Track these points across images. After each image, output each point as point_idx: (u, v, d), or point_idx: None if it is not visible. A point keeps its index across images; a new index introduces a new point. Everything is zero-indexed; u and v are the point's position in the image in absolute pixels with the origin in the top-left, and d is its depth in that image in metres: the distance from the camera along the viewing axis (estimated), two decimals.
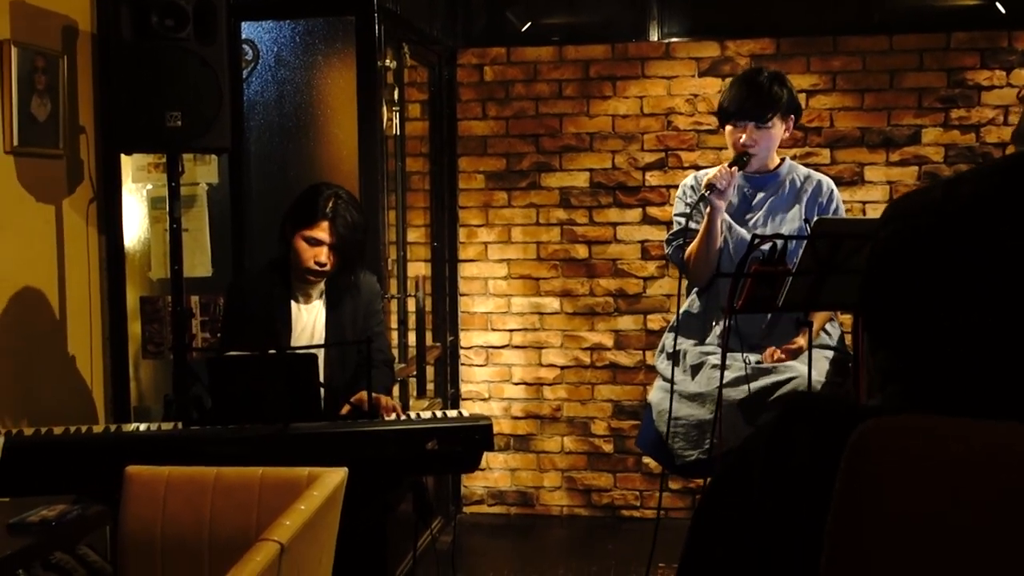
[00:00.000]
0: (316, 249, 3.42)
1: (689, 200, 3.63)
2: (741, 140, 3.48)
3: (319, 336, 3.53)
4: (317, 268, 3.42)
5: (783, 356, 3.39)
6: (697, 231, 3.49)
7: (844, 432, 0.91)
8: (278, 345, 3.37)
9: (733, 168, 3.42)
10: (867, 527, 0.86)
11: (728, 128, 3.53)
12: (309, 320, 3.54)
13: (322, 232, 3.40)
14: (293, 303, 3.53)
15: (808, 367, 3.14)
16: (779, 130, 3.54)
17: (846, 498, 0.87)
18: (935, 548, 0.84)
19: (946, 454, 0.88)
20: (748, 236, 3.37)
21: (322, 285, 3.57)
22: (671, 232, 3.68)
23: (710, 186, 3.38)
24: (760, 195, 3.60)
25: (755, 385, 3.27)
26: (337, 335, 3.52)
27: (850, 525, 0.87)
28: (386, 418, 3.25)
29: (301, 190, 3.62)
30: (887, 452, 0.88)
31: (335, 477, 2.52)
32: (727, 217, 3.51)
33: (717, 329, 3.51)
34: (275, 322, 3.46)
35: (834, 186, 3.64)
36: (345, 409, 3.31)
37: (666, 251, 3.72)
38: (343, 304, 3.55)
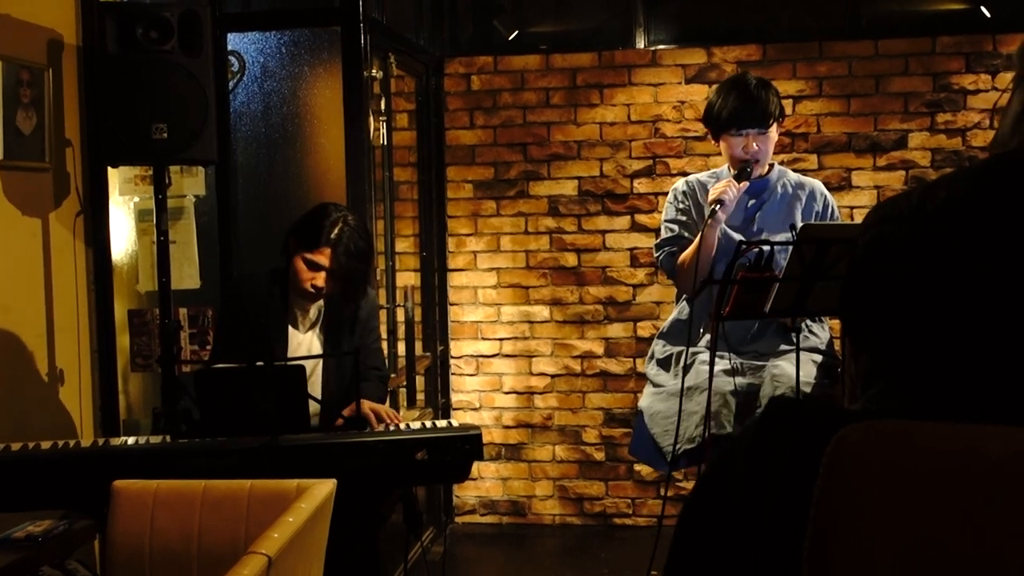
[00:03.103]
0: (314, 273, 3.35)
1: (681, 206, 3.61)
2: (744, 148, 3.43)
3: (320, 347, 3.51)
4: (312, 291, 3.39)
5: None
6: (691, 240, 3.46)
7: (825, 437, 0.91)
8: (269, 357, 3.34)
9: (742, 183, 3.40)
10: (847, 534, 0.86)
11: (727, 139, 3.47)
12: (304, 341, 3.52)
13: (322, 257, 3.33)
14: (290, 327, 3.50)
15: (796, 370, 3.15)
16: (776, 135, 3.52)
17: (826, 504, 0.87)
18: (914, 554, 0.84)
19: (925, 460, 0.88)
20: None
21: (321, 309, 3.54)
22: (662, 238, 3.65)
23: (718, 200, 3.35)
24: (753, 202, 3.59)
25: (742, 381, 3.28)
26: (335, 345, 3.49)
27: (830, 532, 0.86)
28: (390, 427, 3.23)
29: (289, 201, 3.62)
30: (866, 458, 0.87)
31: (324, 489, 2.51)
32: (723, 225, 3.49)
33: (706, 336, 3.51)
34: (271, 339, 3.44)
35: (826, 190, 3.64)
36: (338, 422, 3.30)
37: (655, 255, 3.70)
38: (341, 335, 3.53)
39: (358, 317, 3.53)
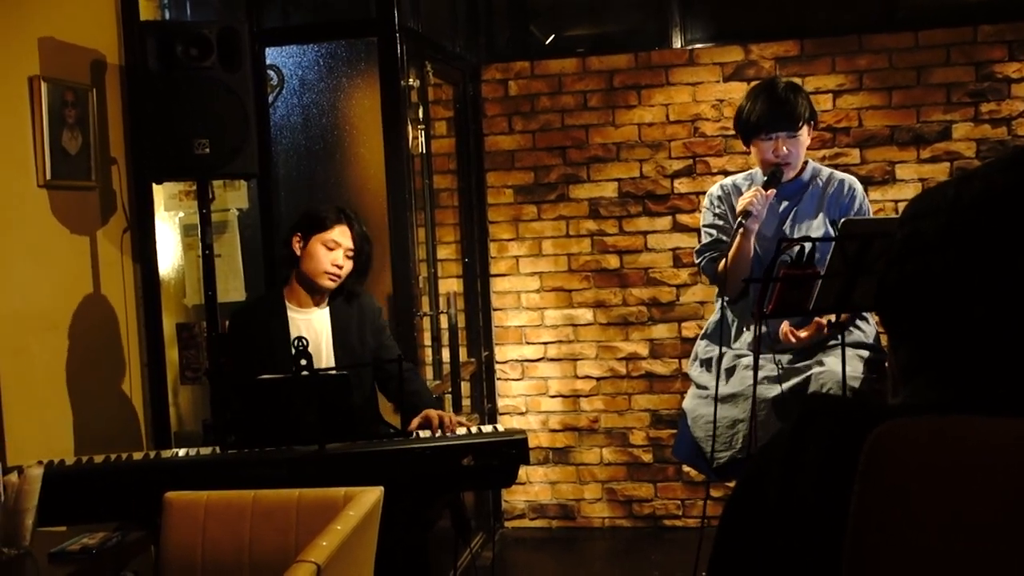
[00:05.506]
0: (335, 253, 3.47)
1: (717, 210, 3.61)
2: (773, 152, 3.42)
3: (326, 342, 3.54)
4: (335, 270, 3.47)
5: (801, 335, 3.36)
6: (729, 244, 3.45)
7: (862, 433, 0.91)
8: (292, 366, 3.37)
9: (770, 191, 3.37)
10: (886, 531, 0.85)
11: (757, 143, 3.47)
12: (311, 329, 3.55)
13: (340, 235, 3.48)
14: (291, 318, 3.53)
15: (842, 365, 3.12)
16: (807, 137, 3.50)
17: (865, 501, 0.87)
18: (955, 550, 0.83)
19: (964, 456, 0.87)
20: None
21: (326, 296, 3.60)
22: (702, 244, 3.65)
23: (745, 212, 3.33)
24: (785, 203, 3.58)
25: (787, 385, 3.25)
26: (345, 349, 3.53)
27: (869, 530, 0.86)
28: (458, 432, 3.25)
29: None
30: (903, 454, 0.87)
31: (371, 496, 2.53)
32: (760, 229, 3.47)
33: (747, 334, 3.49)
34: (281, 345, 3.46)
35: (857, 184, 3.59)
36: (415, 423, 3.33)
37: (696, 261, 3.69)
38: (350, 309, 3.57)
39: (362, 312, 3.60)
